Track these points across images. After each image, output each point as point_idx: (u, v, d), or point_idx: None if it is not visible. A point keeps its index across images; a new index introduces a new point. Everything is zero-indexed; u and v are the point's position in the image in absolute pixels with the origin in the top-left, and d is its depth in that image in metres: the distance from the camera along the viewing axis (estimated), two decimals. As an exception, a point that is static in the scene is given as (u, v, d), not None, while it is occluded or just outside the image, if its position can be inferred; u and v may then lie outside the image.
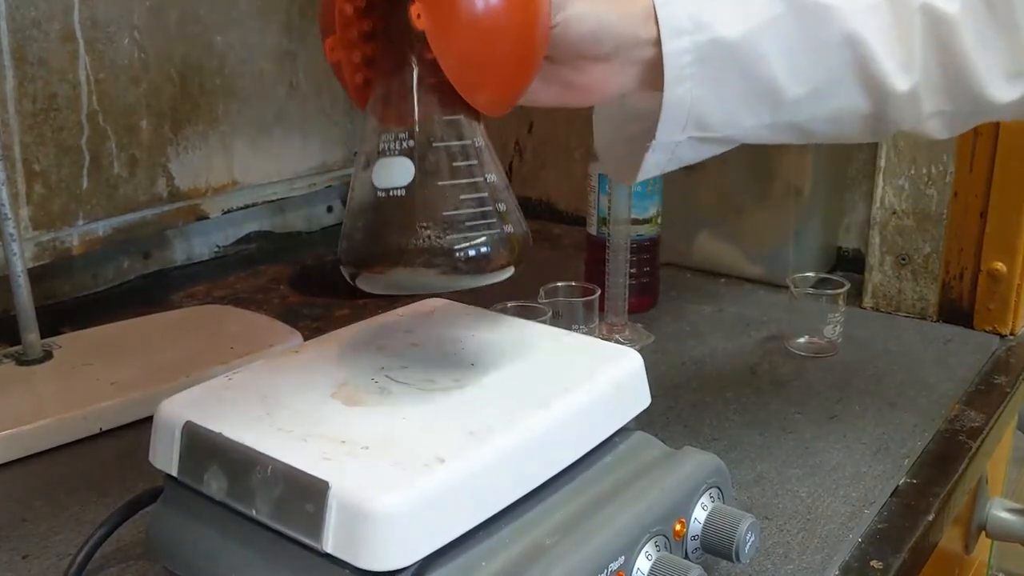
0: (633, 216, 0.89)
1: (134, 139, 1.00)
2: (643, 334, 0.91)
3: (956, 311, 0.95)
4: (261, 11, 1.09)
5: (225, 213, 1.11)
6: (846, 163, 1.08)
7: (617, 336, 0.89)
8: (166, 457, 0.49)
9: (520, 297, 0.81)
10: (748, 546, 0.52)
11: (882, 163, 0.95)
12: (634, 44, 0.55)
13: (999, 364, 0.88)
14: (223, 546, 0.47)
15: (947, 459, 0.72)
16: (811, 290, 0.89)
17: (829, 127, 0.60)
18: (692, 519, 0.52)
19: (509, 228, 0.51)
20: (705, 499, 0.53)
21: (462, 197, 0.49)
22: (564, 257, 1.17)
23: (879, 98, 0.58)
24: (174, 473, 0.49)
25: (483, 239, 0.49)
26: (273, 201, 1.17)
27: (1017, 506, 0.95)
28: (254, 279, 1.09)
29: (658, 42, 0.55)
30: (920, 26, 0.57)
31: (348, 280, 0.54)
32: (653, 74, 0.56)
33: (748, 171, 1.03)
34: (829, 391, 0.81)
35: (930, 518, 0.64)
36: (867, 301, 0.99)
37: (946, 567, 0.88)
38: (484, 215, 0.49)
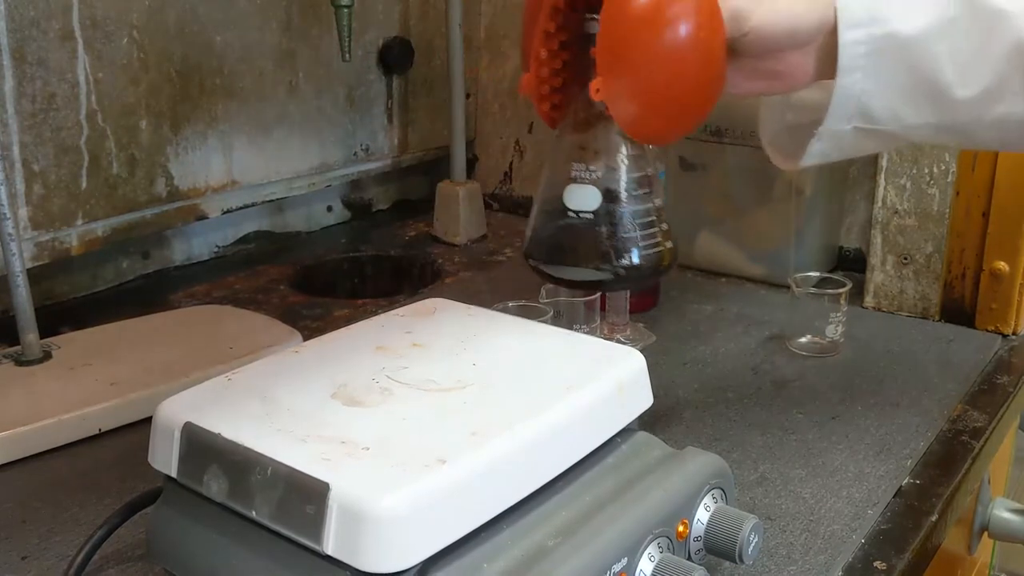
0: (634, 215, 0.89)
1: (133, 139, 0.99)
2: (645, 334, 0.90)
3: (958, 311, 0.95)
4: (261, 10, 1.08)
5: (224, 213, 1.10)
6: (847, 163, 1.08)
7: (619, 336, 0.89)
8: (165, 458, 0.49)
9: (521, 297, 0.81)
10: (751, 547, 0.52)
11: (884, 163, 0.95)
12: (819, 32, 0.59)
13: (1002, 364, 0.88)
14: (223, 548, 0.47)
15: (950, 459, 0.71)
16: (813, 290, 0.89)
17: (992, 133, 0.62)
18: (695, 520, 0.52)
19: (669, 244, 0.62)
20: (708, 500, 0.53)
21: (638, 221, 0.60)
22: (565, 257, 1.16)
23: None
24: (173, 474, 0.49)
25: (649, 254, 0.60)
26: (272, 201, 1.16)
27: (1020, 506, 0.95)
28: (254, 279, 1.09)
29: (835, 31, 0.58)
30: None
31: (532, 270, 0.67)
32: (829, 62, 0.59)
33: (749, 171, 1.02)
34: (831, 391, 0.81)
35: (933, 518, 0.64)
36: (869, 301, 0.99)
37: (949, 567, 0.88)
38: (652, 235, 0.60)
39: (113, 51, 0.96)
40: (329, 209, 1.28)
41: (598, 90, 0.54)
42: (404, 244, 1.22)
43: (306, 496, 0.43)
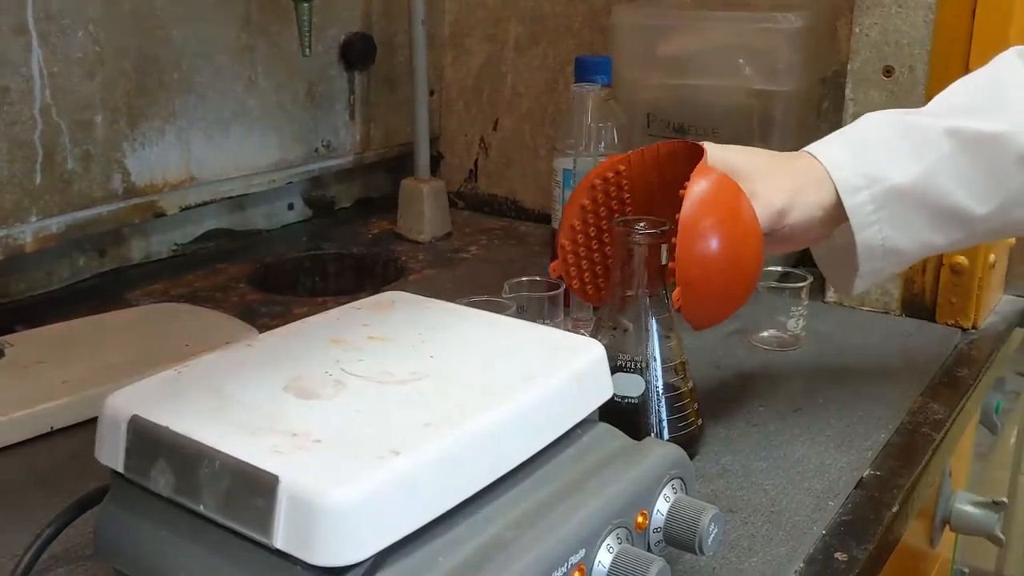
0: (597, 211, 0.89)
1: (89, 134, 0.97)
2: (607, 329, 0.90)
3: (919, 305, 0.95)
4: (219, 4, 1.07)
5: (183, 210, 1.09)
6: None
7: (582, 331, 0.88)
8: (112, 453, 0.48)
9: (484, 293, 0.80)
10: (711, 538, 0.52)
11: (845, 157, 0.95)
12: (823, 207, 0.66)
13: (961, 357, 0.88)
14: (171, 544, 0.46)
15: (911, 451, 0.72)
16: (774, 284, 0.89)
17: (1019, 228, 0.70)
18: (655, 511, 0.52)
19: (699, 421, 0.70)
20: (668, 490, 0.52)
21: (674, 405, 0.68)
22: (530, 254, 1.16)
23: None
24: (120, 469, 0.48)
25: (681, 434, 0.67)
26: (233, 199, 1.15)
27: (981, 499, 0.96)
28: (213, 277, 1.07)
29: (836, 195, 0.66)
30: None
31: None
32: (841, 221, 0.67)
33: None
34: (793, 384, 0.81)
35: (895, 509, 0.64)
36: (830, 296, 0.99)
37: (911, 561, 0.88)
38: (685, 416, 0.68)
39: (68, 45, 0.94)
40: (290, 207, 1.26)
41: (678, 300, 0.63)
42: (367, 242, 1.21)
43: (255, 489, 0.42)
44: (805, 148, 0.69)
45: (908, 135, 0.67)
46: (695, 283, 0.62)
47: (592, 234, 0.72)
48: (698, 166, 0.63)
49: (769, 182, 0.66)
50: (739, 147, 0.68)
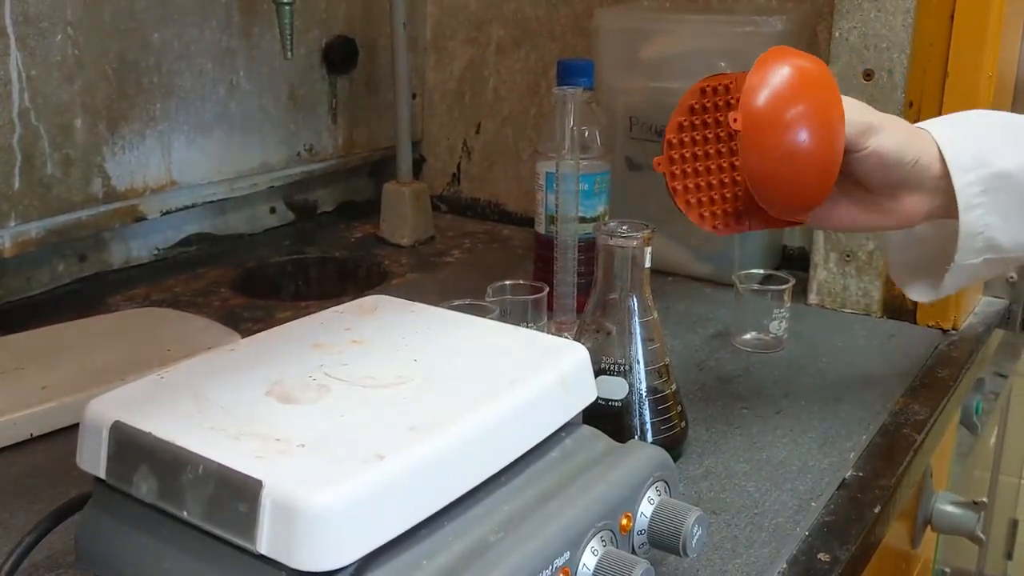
0: (581, 214, 0.89)
1: (68, 138, 0.97)
2: (591, 332, 0.90)
3: (899, 307, 0.96)
4: (199, 7, 1.06)
5: (164, 214, 1.08)
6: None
7: (566, 334, 0.88)
8: (93, 459, 0.47)
9: (468, 297, 0.80)
10: (695, 540, 0.52)
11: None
12: (929, 176, 0.65)
13: (942, 358, 0.89)
14: (154, 550, 0.46)
15: (892, 451, 0.72)
16: (757, 286, 0.90)
17: None
18: (639, 513, 0.52)
19: (683, 424, 0.70)
20: (652, 493, 0.52)
21: (658, 407, 0.68)
22: (513, 258, 1.16)
23: None
24: (102, 475, 0.47)
25: (664, 436, 0.68)
26: (214, 202, 1.14)
27: (962, 500, 0.96)
28: (194, 282, 1.06)
29: (946, 175, 0.64)
30: None
31: None
32: (942, 203, 0.66)
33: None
34: (775, 386, 0.81)
35: (877, 510, 0.64)
36: (812, 298, 1.00)
37: (893, 562, 0.89)
38: (669, 419, 0.69)
39: (47, 48, 0.94)
40: (272, 211, 1.26)
41: (736, 120, 0.62)
42: (349, 246, 1.21)
43: (238, 494, 0.41)
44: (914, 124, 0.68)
45: (1014, 128, 0.67)
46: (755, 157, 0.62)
47: (697, 139, 0.70)
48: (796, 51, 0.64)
49: (858, 107, 0.65)
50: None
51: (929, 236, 0.72)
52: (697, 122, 0.70)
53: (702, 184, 0.70)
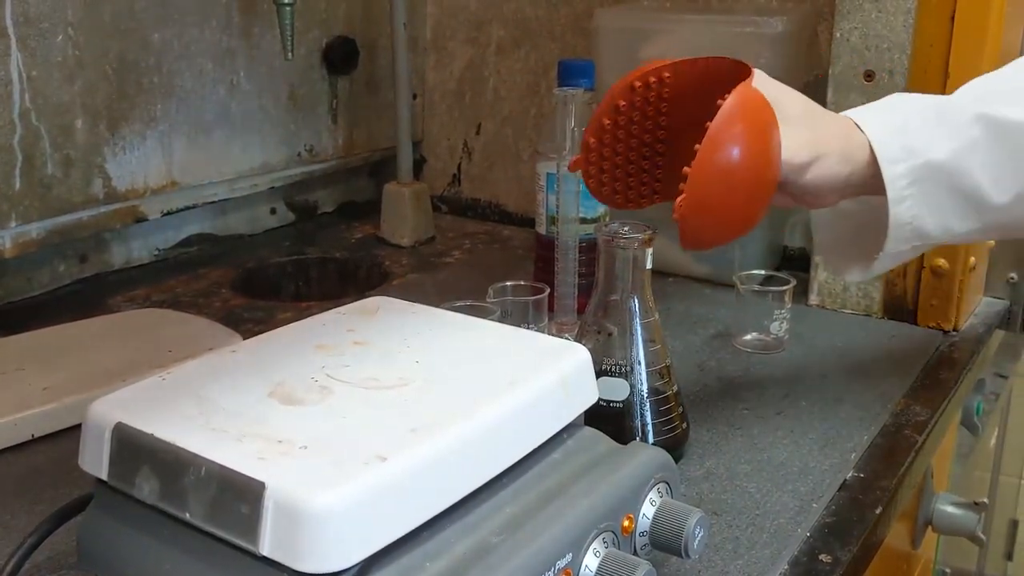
0: (581, 215, 0.89)
1: (69, 138, 0.97)
2: (591, 333, 0.90)
3: (900, 307, 0.96)
4: (200, 7, 1.06)
5: (165, 215, 1.08)
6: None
7: (567, 335, 0.88)
8: (96, 460, 0.47)
9: (468, 298, 0.80)
10: (697, 541, 0.52)
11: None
12: (858, 169, 0.66)
13: (943, 359, 0.89)
14: (156, 552, 0.46)
15: (893, 452, 0.72)
16: (757, 287, 0.90)
17: None
18: (640, 515, 0.52)
19: (684, 425, 0.70)
20: (653, 494, 0.52)
21: (659, 408, 0.68)
22: (514, 258, 1.16)
23: None
24: (104, 477, 0.47)
25: (666, 437, 0.68)
26: (214, 203, 1.14)
27: (962, 500, 0.96)
28: (195, 282, 1.06)
29: (874, 162, 0.65)
30: None
31: None
32: (866, 190, 0.67)
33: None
34: (776, 387, 0.81)
35: (878, 511, 0.64)
36: (813, 299, 1.00)
37: (894, 562, 0.89)
38: (671, 420, 0.69)
39: (47, 48, 0.94)
40: (273, 211, 1.26)
41: (680, 207, 0.60)
42: (350, 246, 1.21)
43: (241, 496, 0.41)
44: (843, 112, 0.68)
45: (942, 116, 0.67)
46: (705, 190, 0.60)
47: (621, 137, 0.68)
48: (744, 82, 0.62)
49: (800, 133, 0.64)
50: (783, 85, 0.67)
51: (854, 211, 0.72)
52: (622, 121, 0.67)
53: (619, 188, 0.70)
